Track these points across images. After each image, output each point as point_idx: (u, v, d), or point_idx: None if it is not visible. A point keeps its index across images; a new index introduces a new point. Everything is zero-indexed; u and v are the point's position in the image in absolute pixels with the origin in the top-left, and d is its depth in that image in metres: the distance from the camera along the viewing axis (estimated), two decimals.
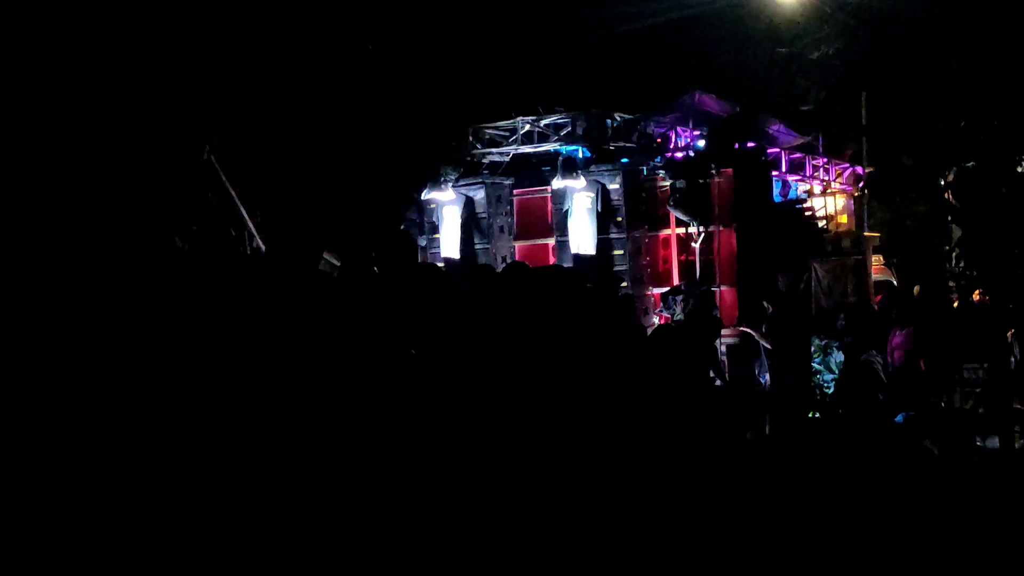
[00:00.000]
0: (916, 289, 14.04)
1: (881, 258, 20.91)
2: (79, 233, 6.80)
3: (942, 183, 10.21)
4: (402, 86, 19.98)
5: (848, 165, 21.27)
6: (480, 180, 17.78)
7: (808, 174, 20.04)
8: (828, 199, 21.06)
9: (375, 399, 7.36)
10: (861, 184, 19.65)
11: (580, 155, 17.18)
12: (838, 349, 14.52)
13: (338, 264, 13.33)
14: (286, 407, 6.95)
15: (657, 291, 16.58)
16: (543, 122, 17.63)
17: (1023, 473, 10.29)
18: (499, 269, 15.42)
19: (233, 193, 11.62)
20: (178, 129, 10.46)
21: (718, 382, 12.60)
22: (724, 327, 14.43)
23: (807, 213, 18.97)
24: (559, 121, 17.46)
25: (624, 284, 15.94)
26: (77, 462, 6.12)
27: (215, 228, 11.21)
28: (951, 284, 12.11)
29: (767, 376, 13.80)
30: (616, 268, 16.31)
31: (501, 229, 17.72)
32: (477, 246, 17.64)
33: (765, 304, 13.55)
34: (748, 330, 14.19)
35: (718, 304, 15.23)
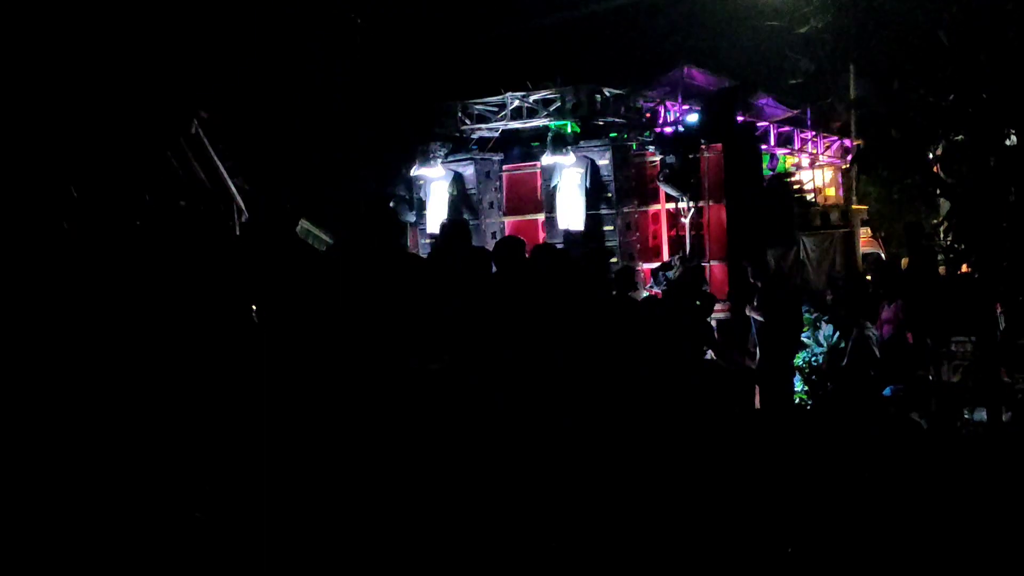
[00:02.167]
0: (904, 262, 14.06)
1: (869, 231, 21.00)
2: (58, 213, 6.80)
3: (930, 156, 10.19)
4: (391, 60, 19.93)
5: (836, 138, 21.35)
6: (469, 156, 17.78)
7: (797, 147, 20.11)
8: (816, 172, 21.14)
9: (371, 374, 7.38)
10: (849, 157, 19.71)
11: (569, 130, 17.16)
12: (826, 323, 14.56)
13: (328, 240, 13.36)
14: (277, 387, 6.96)
15: (647, 266, 16.61)
16: (532, 97, 17.59)
17: (1010, 445, 10.33)
18: (488, 245, 15.46)
19: (222, 168, 11.60)
20: (166, 104, 10.44)
21: (710, 355, 12.62)
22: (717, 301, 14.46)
23: (795, 187, 19.03)
24: (548, 96, 17.43)
25: (614, 259, 15.95)
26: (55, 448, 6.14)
27: (203, 203, 11.21)
28: (939, 257, 12.10)
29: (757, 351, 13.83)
30: (606, 243, 16.31)
31: (491, 205, 17.73)
32: None
33: (753, 280, 13.56)
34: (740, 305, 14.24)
35: (708, 279, 15.26)
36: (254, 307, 7.59)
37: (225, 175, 11.90)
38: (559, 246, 15.84)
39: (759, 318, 13.58)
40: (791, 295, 13.82)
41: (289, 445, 6.90)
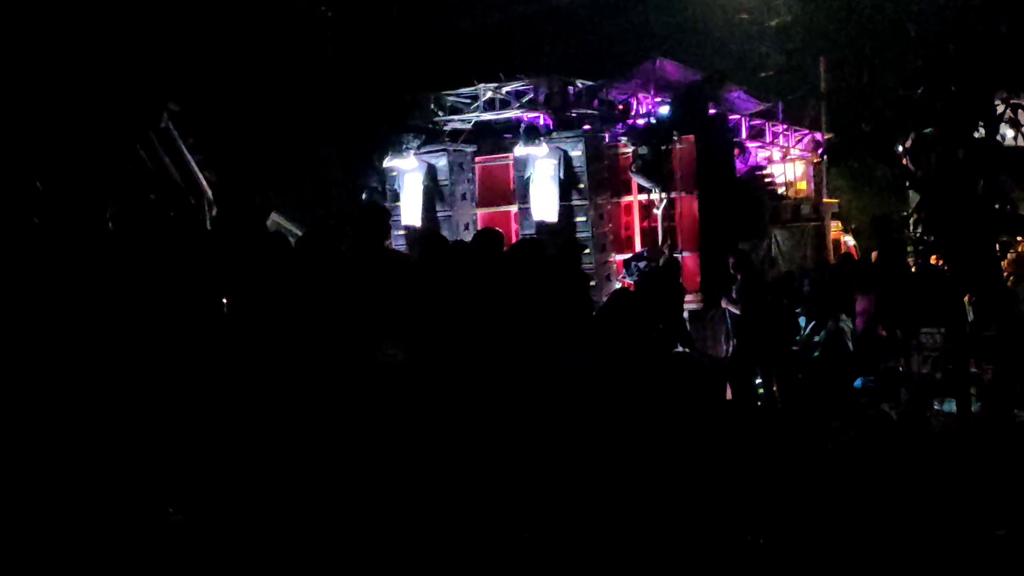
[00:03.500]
0: (874, 255, 14.13)
1: (840, 224, 21.11)
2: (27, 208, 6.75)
3: (900, 149, 10.26)
4: (363, 52, 19.84)
5: (807, 131, 21.39)
6: (442, 147, 17.74)
7: (768, 141, 20.15)
8: (788, 166, 21.18)
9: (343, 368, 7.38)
10: (820, 150, 19.76)
11: (542, 122, 17.16)
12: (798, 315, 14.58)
13: (297, 231, 13.31)
14: (249, 380, 6.95)
15: (619, 258, 16.65)
16: (505, 89, 17.58)
17: (979, 436, 10.42)
18: (462, 237, 15.46)
19: (192, 161, 11.55)
20: (135, 97, 10.37)
21: (681, 348, 12.65)
22: (687, 292, 14.49)
23: (767, 180, 19.07)
24: (521, 88, 17.42)
25: (586, 251, 15.97)
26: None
27: (173, 197, 11.15)
28: (909, 249, 12.18)
29: (732, 342, 13.88)
30: (579, 235, 16.31)
31: (463, 196, 17.70)
32: (439, 214, 17.62)
33: (734, 272, 13.62)
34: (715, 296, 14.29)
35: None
36: (225, 301, 7.58)
37: (195, 169, 11.86)
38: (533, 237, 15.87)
39: (735, 310, 13.62)
40: (767, 288, 13.86)
41: (262, 438, 6.90)
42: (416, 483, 7.33)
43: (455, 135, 18.17)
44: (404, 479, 7.26)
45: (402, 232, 17.54)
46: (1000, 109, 9.69)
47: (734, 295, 13.61)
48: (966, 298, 11.11)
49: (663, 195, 16.33)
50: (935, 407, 11.47)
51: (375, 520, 6.93)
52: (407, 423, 7.56)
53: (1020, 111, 9.60)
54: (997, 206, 9.84)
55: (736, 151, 17.91)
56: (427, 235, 11.21)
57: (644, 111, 17.73)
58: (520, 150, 16.71)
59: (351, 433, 7.21)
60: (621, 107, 17.87)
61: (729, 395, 13.08)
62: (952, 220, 9.80)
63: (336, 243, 8.09)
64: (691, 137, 16.39)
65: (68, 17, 8.89)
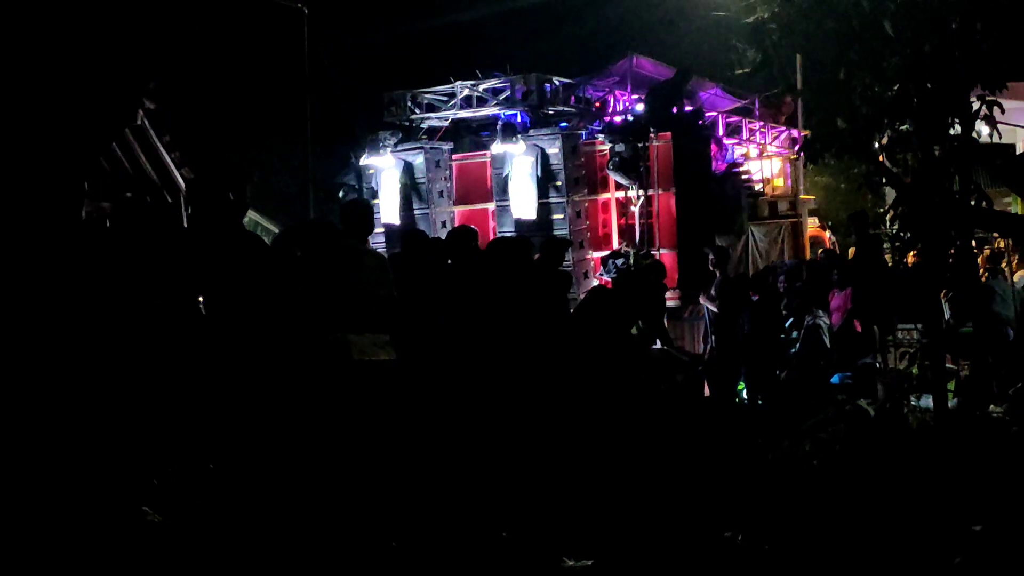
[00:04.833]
0: (851, 251, 14.18)
1: (817, 220, 21.18)
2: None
3: (876, 145, 10.27)
4: (339, 48, 19.84)
5: (784, 128, 21.46)
6: (419, 145, 17.73)
7: (744, 137, 20.20)
8: (764, 162, 21.25)
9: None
10: (797, 147, 19.83)
11: (519, 119, 17.16)
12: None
13: (274, 229, 13.29)
14: (225, 378, 6.93)
15: (597, 255, 16.67)
16: (481, 86, 17.57)
17: (955, 432, 10.44)
18: (439, 234, 15.46)
19: (168, 159, 11.49)
20: (110, 94, 10.30)
21: (659, 346, 12.67)
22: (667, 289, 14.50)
23: (744, 176, 19.12)
24: (497, 86, 17.42)
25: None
26: None
27: (150, 194, 11.11)
28: (885, 246, 12.22)
29: (710, 339, 13.89)
30: (556, 232, 16.34)
31: (440, 194, 17.71)
32: (416, 211, 17.63)
33: (713, 268, 13.64)
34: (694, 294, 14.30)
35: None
36: (201, 299, 7.56)
37: (172, 166, 11.82)
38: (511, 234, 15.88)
39: (713, 308, 13.63)
40: (745, 285, 13.89)
41: (239, 436, 6.88)
42: (392, 480, 7.33)
43: (432, 133, 18.17)
44: (381, 476, 7.26)
45: (380, 230, 17.53)
46: (976, 106, 9.70)
47: (712, 292, 13.63)
48: (942, 294, 11.13)
49: (640, 192, 16.36)
50: (912, 403, 11.51)
51: (352, 516, 6.92)
52: (386, 420, 7.55)
53: (996, 108, 9.61)
54: (973, 202, 9.86)
55: (713, 148, 17.94)
56: (406, 233, 11.20)
57: (621, 108, 17.78)
58: (497, 147, 16.72)
59: (330, 431, 7.20)
60: (598, 104, 17.91)
61: (707, 392, 13.13)
62: (928, 216, 9.81)
63: (315, 240, 8.07)
64: (668, 134, 16.44)
65: (44, 15, 8.83)
